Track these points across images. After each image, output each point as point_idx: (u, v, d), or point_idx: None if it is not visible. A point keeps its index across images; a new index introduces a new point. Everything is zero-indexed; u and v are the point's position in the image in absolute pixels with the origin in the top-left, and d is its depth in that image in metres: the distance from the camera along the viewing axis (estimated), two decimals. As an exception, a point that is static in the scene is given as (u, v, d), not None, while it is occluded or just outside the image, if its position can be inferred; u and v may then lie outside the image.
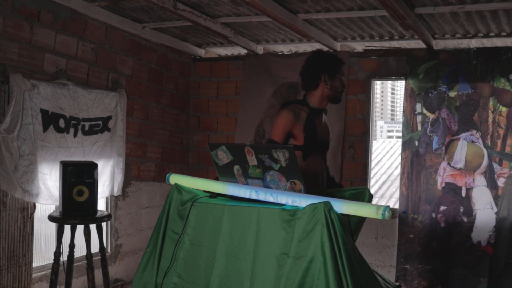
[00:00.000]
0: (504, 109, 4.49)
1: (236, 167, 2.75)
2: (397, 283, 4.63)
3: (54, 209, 4.05)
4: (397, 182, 4.91)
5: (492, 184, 4.50)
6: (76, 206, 3.59)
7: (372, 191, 6.73)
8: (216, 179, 2.94)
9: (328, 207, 2.35)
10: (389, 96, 75.42)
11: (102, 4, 4.15)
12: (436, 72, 4.67)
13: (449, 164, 4.64)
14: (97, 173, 3.69)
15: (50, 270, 3.75)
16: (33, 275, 3.90)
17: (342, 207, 2.41)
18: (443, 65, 4.65)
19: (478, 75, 4.54)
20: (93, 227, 3.75)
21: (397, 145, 12.09)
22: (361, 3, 3.83)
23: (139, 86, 5.02)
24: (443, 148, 4.66)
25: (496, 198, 4.48)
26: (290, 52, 5.42)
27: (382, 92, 72.78)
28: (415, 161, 4.74)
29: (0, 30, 3.61)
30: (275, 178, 2.62)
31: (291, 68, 5.22)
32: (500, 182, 4.47)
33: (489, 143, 4.51)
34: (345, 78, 3.30)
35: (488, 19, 4.01)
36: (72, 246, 3.79)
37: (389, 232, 4.94)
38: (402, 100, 4.87)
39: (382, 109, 72.72)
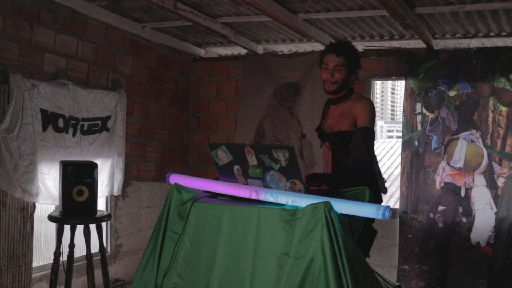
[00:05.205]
0: (504, 109, 4.49)
1: (236, 167, 2.74)
2: (398, 283, 4.63)
3: (54, 209, 4.05)
4: (397, 182, 4.91)
5: (491, 184, 4.49)
6: (76, 206, 3.59)
7: (372, 191, 6.69)
8: (216, 179, 2.93)
9: (328, 207, 2.34)
10: (389, 96, 75.40)
11: (102, 4, 4.15)
12: (436, 72, 4.66)
13: (448, 163, 4.63)
14: (97, 173, 3.68)
15: (50, 270, 3.74)
16: (33, 275, 3.89)
17: (342, 207, 2.41)
18: (443, 65, 4.65)
19: (478, 75, 4.54)
20: (93, 227, 3.74)
21: (397, 145, 12.05)
22: (361, 3, 3.83)
23: (139, 86, 5.02)
24: (443, 147, 4.66)
25: (495, 198, 4.47)
26: (290, 52, 5.41)
27: (382, 92, 72.77)
28: (415, 161, 4.73)
29: (0, 30, 3.61)
30: (275, 178, 2.62)
31: (291, 68, 5.21)
32: (500, 182, 4.46)
33: (489, 143, 4.50)
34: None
35: (488, 19, 4.01)
36: (72, 246, 3.79)
37: (389, 232, 4.93)
38: (402, 100, 4.87)
39: (382, 109, 72.68)
